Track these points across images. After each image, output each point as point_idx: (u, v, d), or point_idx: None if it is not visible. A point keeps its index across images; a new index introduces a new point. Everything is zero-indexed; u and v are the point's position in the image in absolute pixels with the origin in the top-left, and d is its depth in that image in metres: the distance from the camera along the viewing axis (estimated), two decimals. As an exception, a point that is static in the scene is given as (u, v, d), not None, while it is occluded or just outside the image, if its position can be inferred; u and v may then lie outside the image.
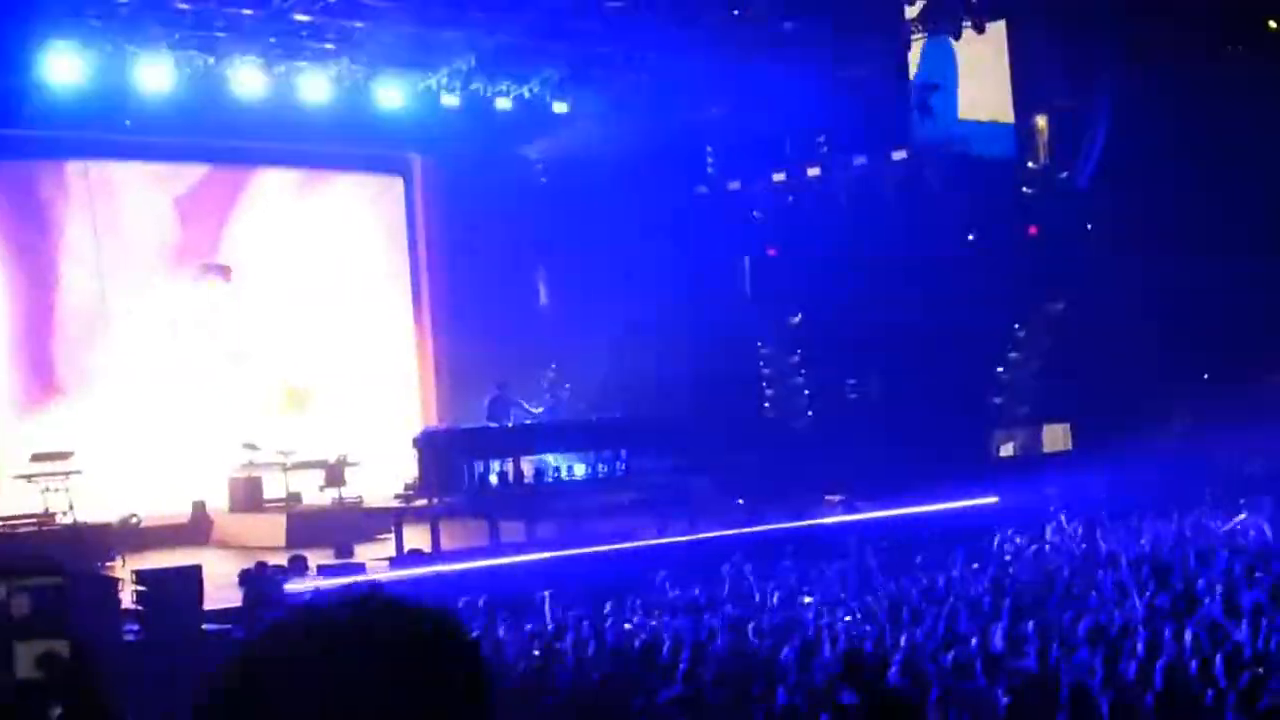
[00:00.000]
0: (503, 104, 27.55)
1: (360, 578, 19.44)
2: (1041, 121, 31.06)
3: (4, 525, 21.79)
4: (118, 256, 26.24)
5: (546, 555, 20.52)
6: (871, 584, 17.83)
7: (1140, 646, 12.32)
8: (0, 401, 24.98)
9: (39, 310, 25.63)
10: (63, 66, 23.29)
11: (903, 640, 13.41)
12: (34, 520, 21.65)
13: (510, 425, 24.15)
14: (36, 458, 22.18)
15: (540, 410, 25.27)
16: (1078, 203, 30.51)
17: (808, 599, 16.92)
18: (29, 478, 21.92)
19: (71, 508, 21.67)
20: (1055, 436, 28.62)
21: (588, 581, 18.31)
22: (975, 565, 18.79)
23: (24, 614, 2.54)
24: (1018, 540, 20.71)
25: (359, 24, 25.10)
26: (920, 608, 15.60)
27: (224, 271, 27.45)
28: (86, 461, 22.54)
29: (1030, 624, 13.59)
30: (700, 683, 12.09)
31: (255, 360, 27.52)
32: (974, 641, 13.02)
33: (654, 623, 15.84)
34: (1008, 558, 19.29)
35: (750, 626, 14.75)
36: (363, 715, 1.90)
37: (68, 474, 21.97)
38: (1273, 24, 28.93)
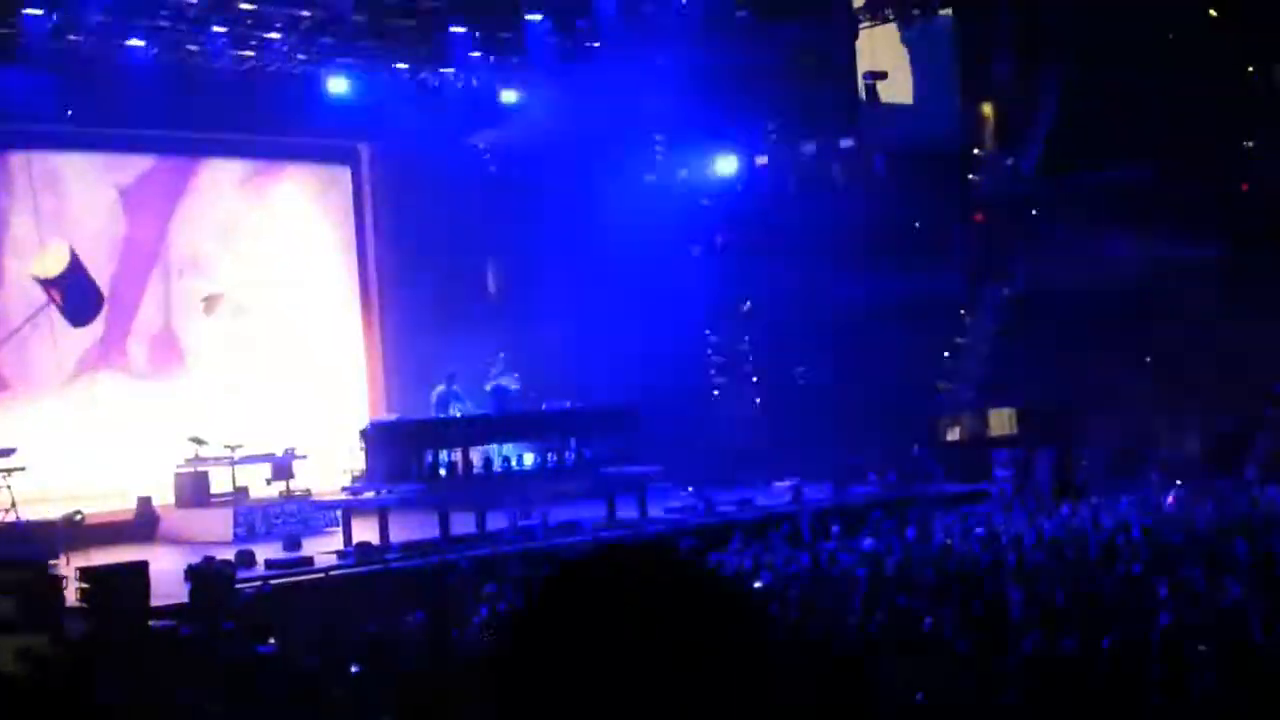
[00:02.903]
0: (451, 91, 27.53)
1: (308, 573, 19.42)
2: (987, 109, 31.15)
3: (-53, 523, 21.51)
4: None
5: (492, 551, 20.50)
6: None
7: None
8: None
9: (-16, 306, 25.34)
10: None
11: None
12: (-25, 517, 21.33)
13: (459, 416, 24.07)
14: (-22, 455, 21.83)
15: (470, 406, 24.98)
16: (1024, 189, 30.69)
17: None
18: (-30, 475, 21.59)
19: (14, 505, 21.37)
20: (1001, 420, 28.67)
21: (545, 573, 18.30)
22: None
23: (8, 610, 2.50)
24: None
25: (306, 13, 24.96)
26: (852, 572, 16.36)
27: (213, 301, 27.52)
28: (30, 458, 22.18)
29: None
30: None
31: (202, 354, 27.36)
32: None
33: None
34: (947, 539, 19.44)
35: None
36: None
37: (10, 471, 21.60)
38: (1213, 12, 29.02)
